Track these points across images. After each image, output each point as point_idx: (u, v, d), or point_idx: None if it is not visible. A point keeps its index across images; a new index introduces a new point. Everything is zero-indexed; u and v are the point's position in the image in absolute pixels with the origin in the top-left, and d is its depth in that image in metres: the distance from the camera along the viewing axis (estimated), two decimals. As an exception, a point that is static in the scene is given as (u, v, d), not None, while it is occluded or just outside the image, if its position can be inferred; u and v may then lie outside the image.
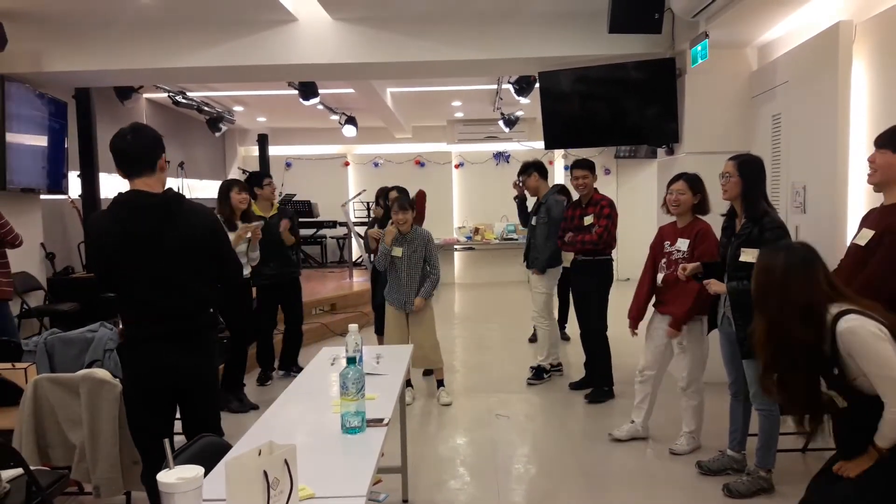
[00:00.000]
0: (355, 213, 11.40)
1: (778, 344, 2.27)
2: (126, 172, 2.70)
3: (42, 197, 6.55)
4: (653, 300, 4.34)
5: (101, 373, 3.24)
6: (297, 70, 6.47)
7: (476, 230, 11.92)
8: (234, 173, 12.01)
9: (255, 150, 11.98)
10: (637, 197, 11.99)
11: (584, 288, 5.36)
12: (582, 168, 5.29)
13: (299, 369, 5.78)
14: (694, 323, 4.08)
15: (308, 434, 2.32)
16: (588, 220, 5.20)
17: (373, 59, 5.96)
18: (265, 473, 1.68)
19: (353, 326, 3.05)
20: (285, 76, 7.06)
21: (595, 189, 5.35)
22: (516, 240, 12.03)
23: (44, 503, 2.76)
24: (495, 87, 8.73)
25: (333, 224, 11.85)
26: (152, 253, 2.67)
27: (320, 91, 7.92)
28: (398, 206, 5.02)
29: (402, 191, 5.78)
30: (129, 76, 6.68)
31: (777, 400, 2.43)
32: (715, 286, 3.56)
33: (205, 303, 2.85)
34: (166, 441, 1.71)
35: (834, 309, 2.20)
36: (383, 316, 6.13)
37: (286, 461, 1.75)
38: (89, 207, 7.08)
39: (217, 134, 10.24)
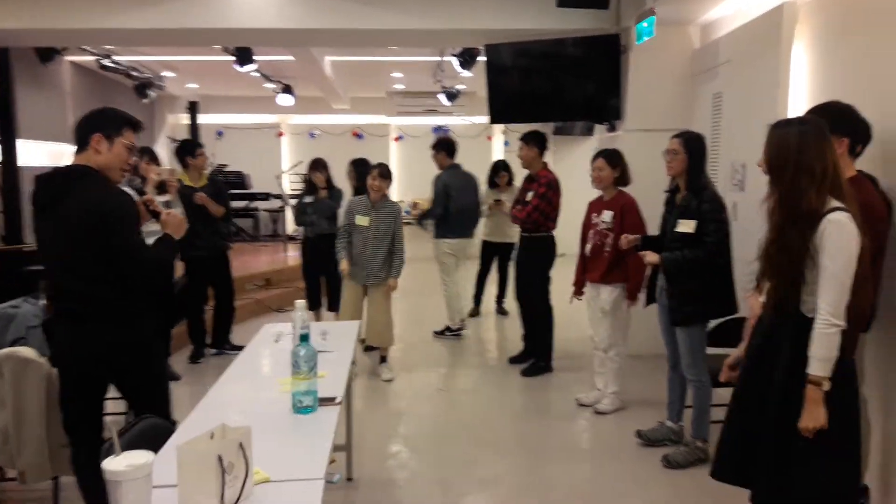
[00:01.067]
0: (291, 184, 11.11)
1: (789, 212, 2.15)
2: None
3: (-46, 163, 6.13)
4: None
5: (26, 351, 3.03)
6: (233, 35, 6.20)
7: (415, 204, 11.80)
8: (163, 142, 11.52)
9: (186, 119, 11.54)
10: (573, 173, 12.09)
11: (523, 263, 5.40)
12: (522, 140, 5.34)
13: (233, 347, 5.73)
14: (615, 288, 4.31)
15: (257, 415, 2.21)
16: (529, 195, 5.22)
17: (314, 24, 5.76)
18: (219, 458, 1.59)
19: (299, 302, 2.94)
20: (221, 41, 6.78)
21: (544, 164, 5.32)
22: (455, 214, 12.01)
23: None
24: (438, 58, 8.60)
25: (267, 196, 11.54)
26: (49, 226, 2.57)
27: (256, 58, 7.64)
28: (378, 172, 4.88)
29: (363, 162, 5.89)
30: (52, 36, 6.27)
31: (770, 271, 2.23)
32: (649, 257, 3.65)
33: (99, 284, 2.54)
34: (112, 427, 1.59)
35: (833, 203, 2.12)
36: (317, 290, 6.03)
37: (241, 444, 1.66)
38: (7, 175, 6.67)
39: (145, 101, 9.80)
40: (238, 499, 1.64)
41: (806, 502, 2.22)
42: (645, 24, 5.05)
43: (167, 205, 4.77)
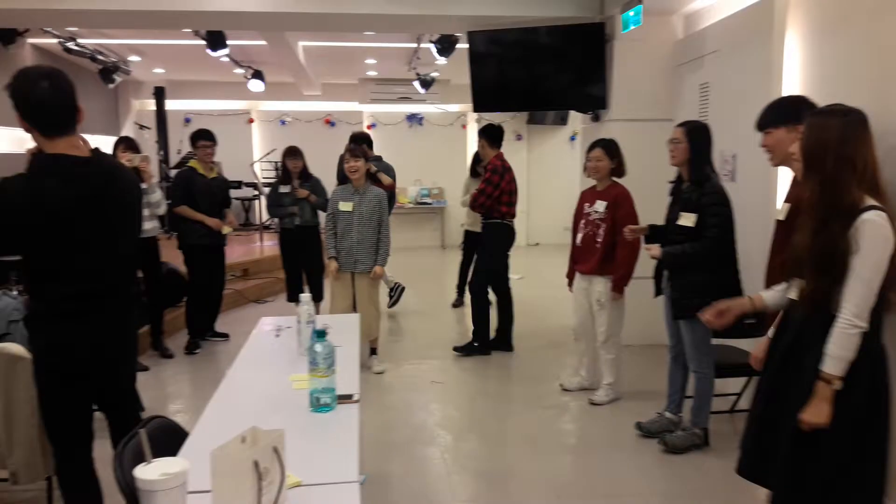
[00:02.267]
0: (263, 173, 10.89)
1: (830, 206, 2.07)
2: (45, 131, 2.23)
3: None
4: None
5: (15, 347, 2.90)
6: (207, 18, 6.03)
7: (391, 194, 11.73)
8: (130, 128, 11.19)
9: (152, 104, 11.19)
10: (546, 162, 12.15)
11: (479, 250, 5.70)
12: (479, 134, 5.62)
13: (216, 334, 5.92)
14: (609, 280, 4.32)
15: (273, 414, 2.14)
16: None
17: (292, 8, 5.63)
18: (255, 463, 1.52)
19: (305, 296, 2.91)
20: (194, 24, 6.58)
21: (499, 154, 5.45)
22: (430, 204, 11.95)
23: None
24: (414, 45, 8.48)
25: (238, 185, 11.28)
26: (94, 221, 2.32)
27: (227, 42, 7.43)
28: (350, 153, 4.78)
29: (364, 138, 6.01)
30: (15, 17, 6.00)
31: (808, 268, 2.11)
32: (654, 251, 3.63)
33: (132, 271, 2.64)
34: (143, 432, 1.51)
35: (870, 201, 2.05)
36: (298, 281, 5.93)
37: (275, 448, 1.59)
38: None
39: (110, 86, 9.48)
40: (274, 505, 1.58)
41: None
42: (631, 13, 5.05)
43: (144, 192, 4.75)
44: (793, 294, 2.24)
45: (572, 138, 11.98)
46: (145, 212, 4.67)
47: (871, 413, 2.12)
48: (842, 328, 2.05)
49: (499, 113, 10.68)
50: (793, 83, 3.98)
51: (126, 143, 5.08)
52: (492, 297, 5.62)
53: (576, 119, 11.44)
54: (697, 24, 5.29)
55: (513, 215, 5.51)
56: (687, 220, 3.52)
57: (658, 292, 3.85)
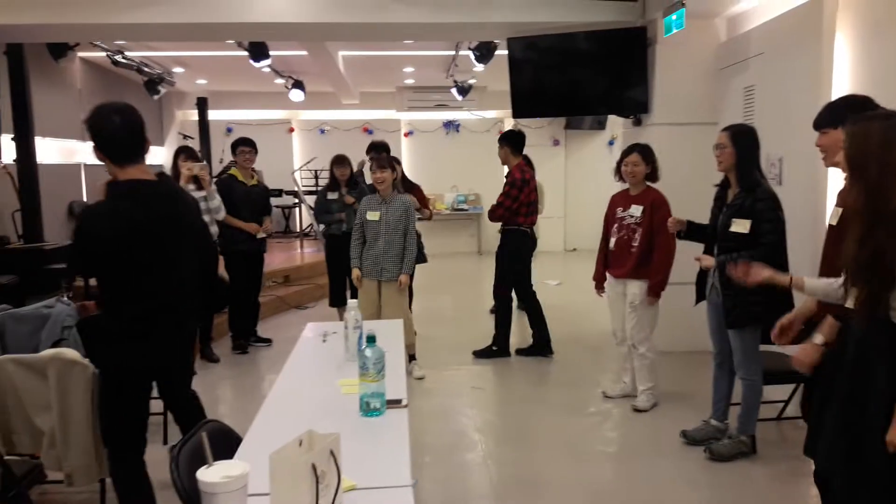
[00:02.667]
0: (303, 181, 11.03)
1: (875, 212, 2.03)
2: (118, 159, 2.48)
3: (-28, 162, 6.05)
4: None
5: (71, 353, 2.98)
6: (249, 30, 6.12)
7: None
8: (174, 138, 11.44)
9: (195, 115, 11.43)
10: (583, 167, 12.07)
11: (499, 256, 5.68)
12: (498, 141, 5.65)
13: (259, 339, 6.07)
14: (644, 283, 4.29)
15: (324, 419, 2.17)
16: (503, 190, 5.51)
17: (333, 18, 5.69)
18: (313, 467, 1.54)
19: (352, 302, 2.93)
20: (237, 36, 6.70)
21: (519, 162, 5.52)
22: (467, 210, 11.96)
23: (19, 496, 2.54)
24: (451, 52, 8.52)
25: (279, 192, 11.44)
26: (167, 243, 2.57)
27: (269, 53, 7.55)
28: (377, 163, 4.81)
29: (383, 147, 5.97)
30: (66, 31, 6.19)
31: (858, 276, 2.07)
32: (705, 261, 3.58)
33: (197, 285, 2.80)
34: (204, 435, 1.55)
35: None
36: (342, 287, 5.99)
37: (332, 452, 1.61)
38: (25, 173, 6.58)
39: (155, 97, 9.70)
40: (330, 508, 1.60)
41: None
42: (674, 17, 5.00)
43: (203, 199, 5.00)
44: (850, 303, 2.18)
45: (610, 143, 11.90)
46: (206, 217, 4.81)
47: None
48: None
49: (536, 118, 10.67)
50: (842, 85, 3.91)
51: (186, 153, 5.26)
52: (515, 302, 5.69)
53: (614, 124, 11.37)
54: (741, 27, 5.22)
55: (532, 223, 5.59)
56: (741, 226, 3.43)
57: (699, 299, 3.80)
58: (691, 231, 3.83)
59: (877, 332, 2.06)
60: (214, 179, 5.77)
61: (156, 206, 2.51)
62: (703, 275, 3.73)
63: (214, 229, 5.25)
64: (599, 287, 4.63)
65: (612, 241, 4.45)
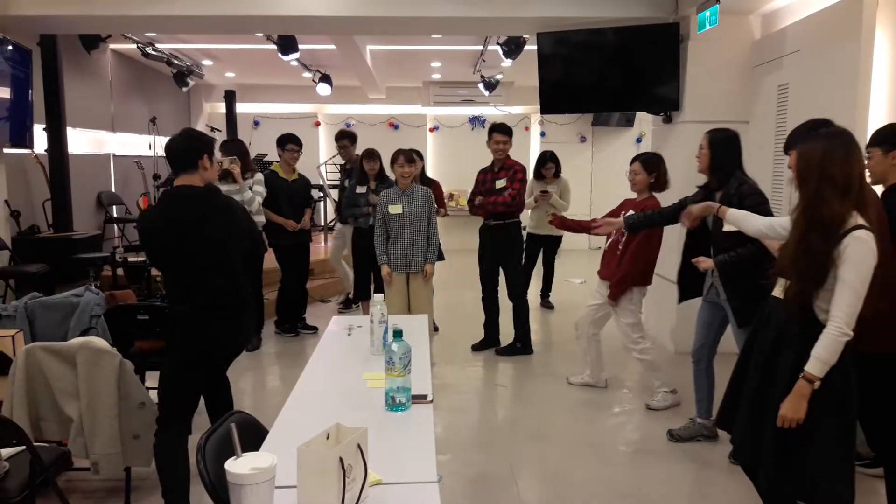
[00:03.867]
0: (328, 175, 11.06)
1: (812, 219, 2.27)
2: (173, 169, 2.95)
3: (5, 151, 6.13)
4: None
5: (99, 342, 3.02)
6: (280, 23, 6.15)
7: (450, 196, 11.73)
8: (202, 131, 11.52)
9: (222, 107, 11.50)
10: (611, 165, 11.95)
11: (503, 253, 5.56)
12: (503, 133, 5.48)
13: (306, 326, 6.35)
14: (626, 292, 4.38)
15: (349, 413, 2.16)
16: (500, 183, 5.39)
17: (363, 12, 5.70)
18: (340, 460, 1.53)
19: (378, 296, 2.92)
20: (268, 29, 6.73)
21: (507, 155, 5.51)
22: (491, 206, 11.89)
23: (46, 483, 2.56)
24: (479, 47, 8.48)
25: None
26: (195, 239, 2.84)
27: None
28: (404, 158, 4.79)
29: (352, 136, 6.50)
30: (99, 23, 6.26)
31: (791, 271, 2.33)
32: (704, 263, 3.54)
33: (245, 279, 3.05)
34: (233, 426, 1.54)
35: (858, 218, 2.23)
36: (367, 281, 5.99)
37: (359, 446, 1.60)
38: (56, 163, 6.67)
39: (184, 89, 9.78)
40: (357, 502, 1.59)
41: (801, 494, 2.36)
42: (708, 14, 4.92)
43: (237, 192, 5.10)
44: (777, 292, 2.42)
45: (638, 140, 11.77)
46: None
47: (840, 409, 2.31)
48: (833, 335, 2.20)
49: (564, 115, 10.58)
50: (881, 84, 3.82)
51: (223, 147, 5.58)
52: (504, 301, 5.67)
53: (642, 121, 11.24)
54: (776, 24, 5.13)
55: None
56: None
57: (682, 298, 3.82)
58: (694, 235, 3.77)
59: (797, 320, 2.31)
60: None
61: (196, 207, 2.87)
62: (684, 273, 3.74)
63: (261, 219, 5.45)
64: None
65: (607, 242, 4.59)
